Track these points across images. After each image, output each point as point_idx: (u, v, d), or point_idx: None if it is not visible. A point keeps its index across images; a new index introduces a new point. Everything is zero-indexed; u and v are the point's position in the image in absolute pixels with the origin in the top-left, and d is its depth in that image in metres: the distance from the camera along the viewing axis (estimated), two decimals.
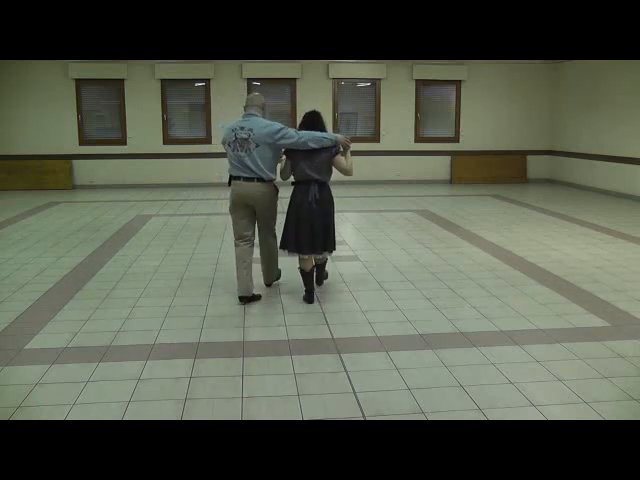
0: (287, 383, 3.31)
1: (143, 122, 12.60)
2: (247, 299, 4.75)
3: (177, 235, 7.55)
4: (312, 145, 4.56)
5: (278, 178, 4.80)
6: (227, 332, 4.13)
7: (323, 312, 4.51)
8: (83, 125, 12.54)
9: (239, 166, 4.67)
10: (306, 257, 4.74)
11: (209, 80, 12.62)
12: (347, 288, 5.14)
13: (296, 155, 4.65)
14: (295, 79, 12.76)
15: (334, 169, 4.76)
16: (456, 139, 13.40)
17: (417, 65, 12.90)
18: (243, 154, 4.62)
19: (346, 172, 4.76)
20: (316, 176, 4.62)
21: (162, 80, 12.52)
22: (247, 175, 4.65)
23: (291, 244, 4.68)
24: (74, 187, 12.50)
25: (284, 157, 4.80)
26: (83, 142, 12.56)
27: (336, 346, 3.84)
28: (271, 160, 4.69)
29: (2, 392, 3.25)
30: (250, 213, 4.78)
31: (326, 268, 5.23)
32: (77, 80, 12.34)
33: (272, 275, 5.16)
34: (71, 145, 12.49)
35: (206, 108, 12.73)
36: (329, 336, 4.03)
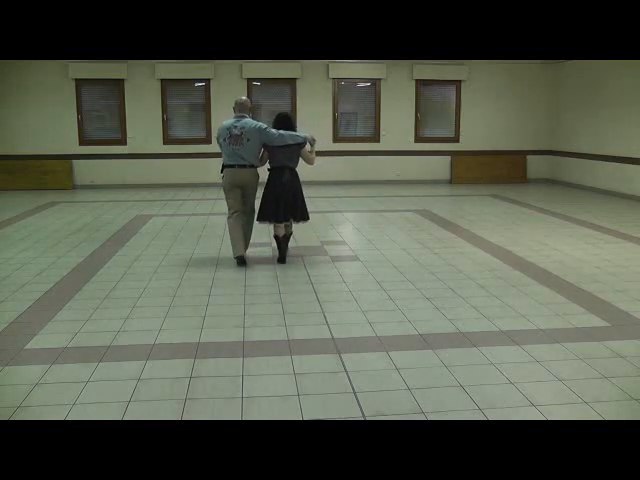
0: (287, 383, 3.31)
1: (143, 122, 12.59)
2: (243, 259, 5.83)
3: (177, 235, 7.55)
4: (289, 141, 5.80)
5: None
6: (227, 332, 4.13)
7: (323, 312, 4.51)
8: (83, 125, 12.54)
9: (234, 156, 5.80)
10: (281, 225, 5.90)
11: (209, 80, 12.62)
12: (347, 288, 5.14)
13: (274, 148, 5.85)
14: (295, 79, 12.76)
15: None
16: (456, 139, 13.40)
17: (417, 65, 12.90)
18: (237, 147, 5.76)
19: (309, 161, 6.11)
20: (288, 164, 5.90)
21: (162, 80, 12.52)
22: (240, 163, 5.81)
23: (269, 216, 5.87)
24: (74, 187, 12.51)
25: (262, 149, 5.97)
26: (83, 142, 12.56)
27: (336, 346, 3.84)
28: (257, 151, 5.89)
29: (2, 392, 3.25)
30: (240, 192, 5.92)
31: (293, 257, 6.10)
32: (77, 80, 12.34)
33: (247, 242, 6.11)
34: (71, 145, 12.49)
35: (206, 108, 12.73)
36: (329, 336, 4.03)
